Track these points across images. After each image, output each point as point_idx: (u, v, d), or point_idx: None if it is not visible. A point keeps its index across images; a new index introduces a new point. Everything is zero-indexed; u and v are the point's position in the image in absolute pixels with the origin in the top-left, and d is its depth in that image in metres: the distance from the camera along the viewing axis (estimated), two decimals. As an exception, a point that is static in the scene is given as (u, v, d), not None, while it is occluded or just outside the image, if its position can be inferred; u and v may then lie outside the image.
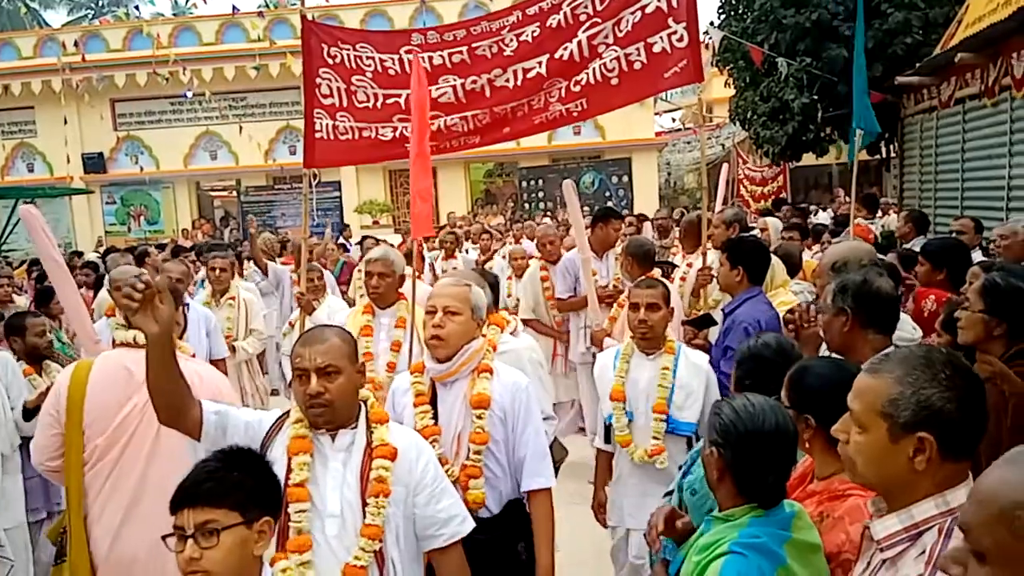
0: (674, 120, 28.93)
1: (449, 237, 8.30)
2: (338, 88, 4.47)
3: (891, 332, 2.52)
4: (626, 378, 3.35)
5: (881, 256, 6.36)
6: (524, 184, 19.57)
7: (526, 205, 18.81)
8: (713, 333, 4.23)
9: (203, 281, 6.37)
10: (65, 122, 18.58)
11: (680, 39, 4.11)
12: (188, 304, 4.87)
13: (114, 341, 3.01)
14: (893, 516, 1.43)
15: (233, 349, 5.42)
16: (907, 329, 3.02)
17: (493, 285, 3.68)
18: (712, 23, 12.65)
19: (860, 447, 1.48)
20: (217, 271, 5.74)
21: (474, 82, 4.36)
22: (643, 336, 3.33)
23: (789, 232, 6.29)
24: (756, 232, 6.57)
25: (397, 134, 4.57)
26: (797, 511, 1.79)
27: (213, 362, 4.84)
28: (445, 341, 2.65)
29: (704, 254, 4.84)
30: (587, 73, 4.22)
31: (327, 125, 4.54)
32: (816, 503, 1.88)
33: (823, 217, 11.45)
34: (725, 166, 9.83)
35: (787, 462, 1.81)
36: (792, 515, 1.78)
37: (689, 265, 5.73)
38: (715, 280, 4.65)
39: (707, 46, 11.02)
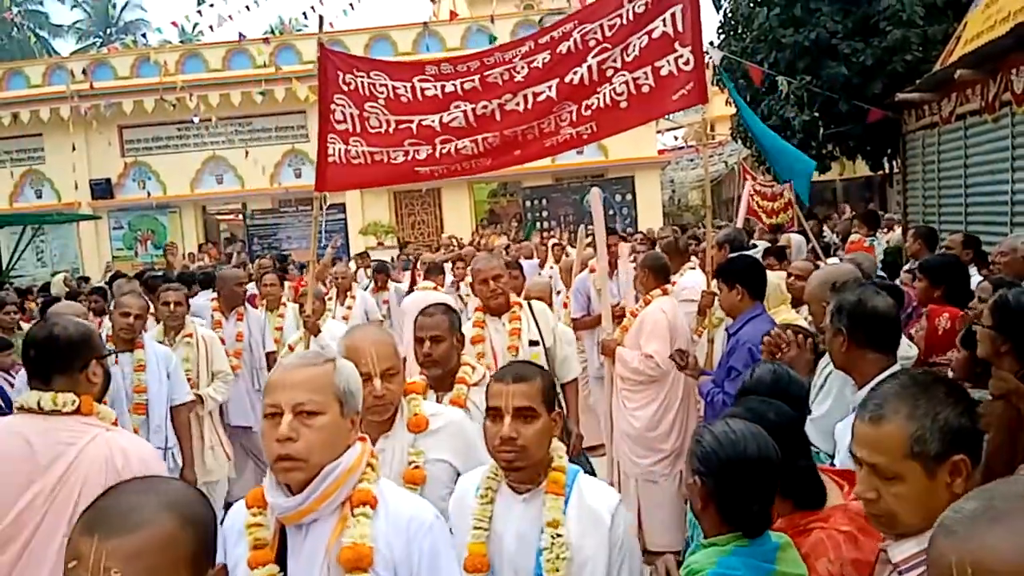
0: (677, 138, 29.13)
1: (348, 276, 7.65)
2: (351, 114, 4.57)
3: (892, 350, 2.50)
4: (488, 530, 2.07)
5: (881, 274, 6.39)
6: (528, 204, 19.68)
7: (529, 225, 18.91)
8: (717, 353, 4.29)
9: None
10: (73, 149, 18.75)
11: (686, 62, 4.22)
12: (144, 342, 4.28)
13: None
14: (911, 540, 1.42)
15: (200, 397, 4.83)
16: (902, 347, 3.02)
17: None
18: (712, 43, 12.80)
19: (901, 497, 1.42)
20: (171, 305, 4.96)
21: (485, 107, 4.45)
22: (509, 464, 2.02)
23: (766, 259, 6.01)
24: (753, 252, 6.57)
25: (409, 157, 4.67)
26: (782, 543, 1.77)
27: (174, 408, 4.33)
28: (305, 462, 1.67)
29: (711, 274, 4.88)
30: (597, 97, 4.32)
31: (340, 150, 4.63)
32: None
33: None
34: (747, 183, 9.90)
35: (770, 489, 1.78)
36: (776, 547, 1.75)
37: (672, 283, 5.74)
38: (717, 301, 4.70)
39: (708, 65, 11.13)
